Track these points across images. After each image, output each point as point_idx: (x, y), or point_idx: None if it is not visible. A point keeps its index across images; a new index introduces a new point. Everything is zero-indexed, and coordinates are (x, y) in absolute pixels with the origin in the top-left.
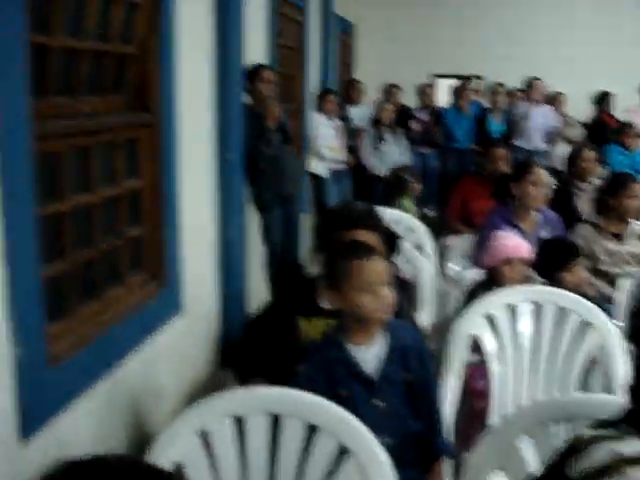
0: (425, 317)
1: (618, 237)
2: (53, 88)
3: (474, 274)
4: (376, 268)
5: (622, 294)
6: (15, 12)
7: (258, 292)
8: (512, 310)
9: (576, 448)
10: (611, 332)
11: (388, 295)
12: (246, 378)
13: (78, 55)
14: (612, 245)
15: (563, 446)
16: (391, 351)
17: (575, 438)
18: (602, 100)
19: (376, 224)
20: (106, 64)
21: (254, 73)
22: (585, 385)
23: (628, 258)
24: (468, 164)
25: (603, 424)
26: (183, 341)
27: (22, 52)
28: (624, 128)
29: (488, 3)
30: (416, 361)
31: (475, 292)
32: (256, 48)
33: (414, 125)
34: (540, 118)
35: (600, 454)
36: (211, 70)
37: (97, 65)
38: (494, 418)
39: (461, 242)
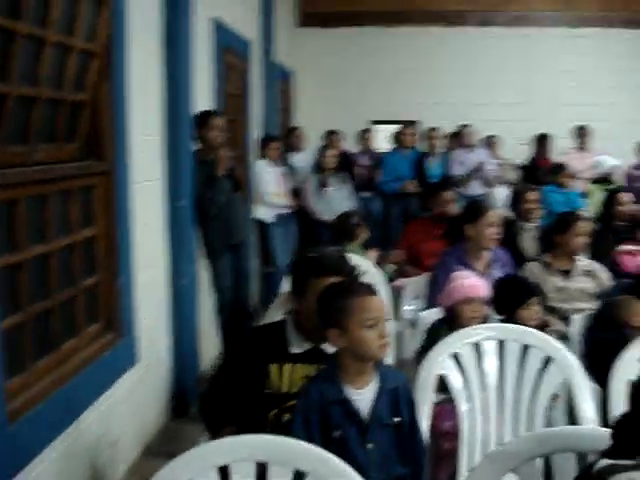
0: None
1: (566, 274)
2: (7, 136)
3: (430, 314)
4: (378, 305)
5: (576, 330)
6: None
7: (211, 340)
8: (476, 348)
9: (595, 479)
10: (573, 367)
11: (388, 333)
12: (217, 429)
13: (33, 103)
14: (561, 282)
15: (579, 476)
16: (383, 393)
17: (591, 469)
18: (540, 142)
19: (346, 270)
20: (60, 112)
21: (203, 120)
22: (549, 420)
23: (577, 294)
24: (411, 207)
25: (611, 454)
26: (138, 392)
27: None
28: (558, 169)
29: (422, 51)
30: (405, 404)
31: (435, 332)
32: (203, 95)
33: (357, 170)
34: (475, 163)
35: None
36: (161, 117)
37: (51, 113)
38: (463, 458)
39: (413, 284)
